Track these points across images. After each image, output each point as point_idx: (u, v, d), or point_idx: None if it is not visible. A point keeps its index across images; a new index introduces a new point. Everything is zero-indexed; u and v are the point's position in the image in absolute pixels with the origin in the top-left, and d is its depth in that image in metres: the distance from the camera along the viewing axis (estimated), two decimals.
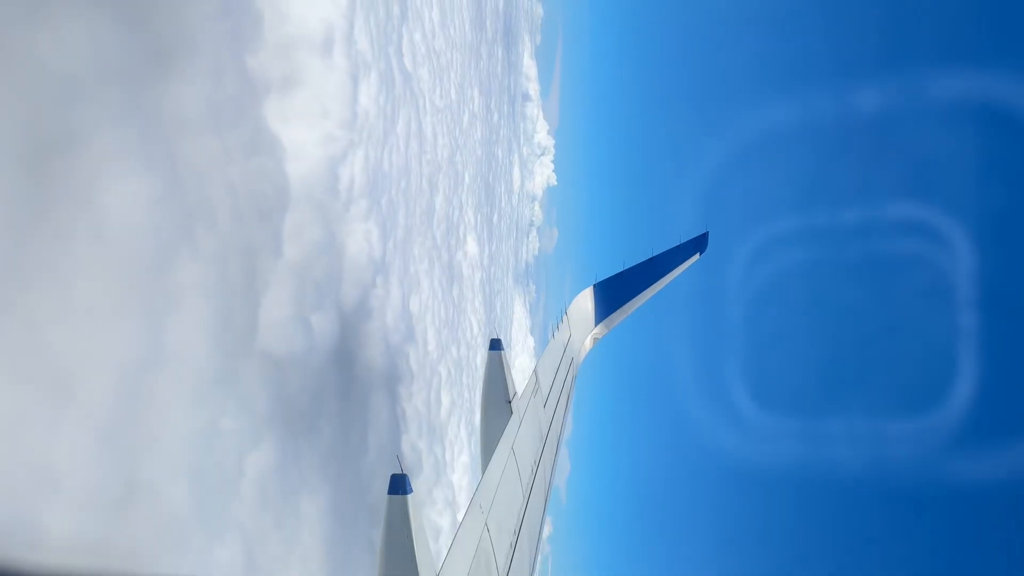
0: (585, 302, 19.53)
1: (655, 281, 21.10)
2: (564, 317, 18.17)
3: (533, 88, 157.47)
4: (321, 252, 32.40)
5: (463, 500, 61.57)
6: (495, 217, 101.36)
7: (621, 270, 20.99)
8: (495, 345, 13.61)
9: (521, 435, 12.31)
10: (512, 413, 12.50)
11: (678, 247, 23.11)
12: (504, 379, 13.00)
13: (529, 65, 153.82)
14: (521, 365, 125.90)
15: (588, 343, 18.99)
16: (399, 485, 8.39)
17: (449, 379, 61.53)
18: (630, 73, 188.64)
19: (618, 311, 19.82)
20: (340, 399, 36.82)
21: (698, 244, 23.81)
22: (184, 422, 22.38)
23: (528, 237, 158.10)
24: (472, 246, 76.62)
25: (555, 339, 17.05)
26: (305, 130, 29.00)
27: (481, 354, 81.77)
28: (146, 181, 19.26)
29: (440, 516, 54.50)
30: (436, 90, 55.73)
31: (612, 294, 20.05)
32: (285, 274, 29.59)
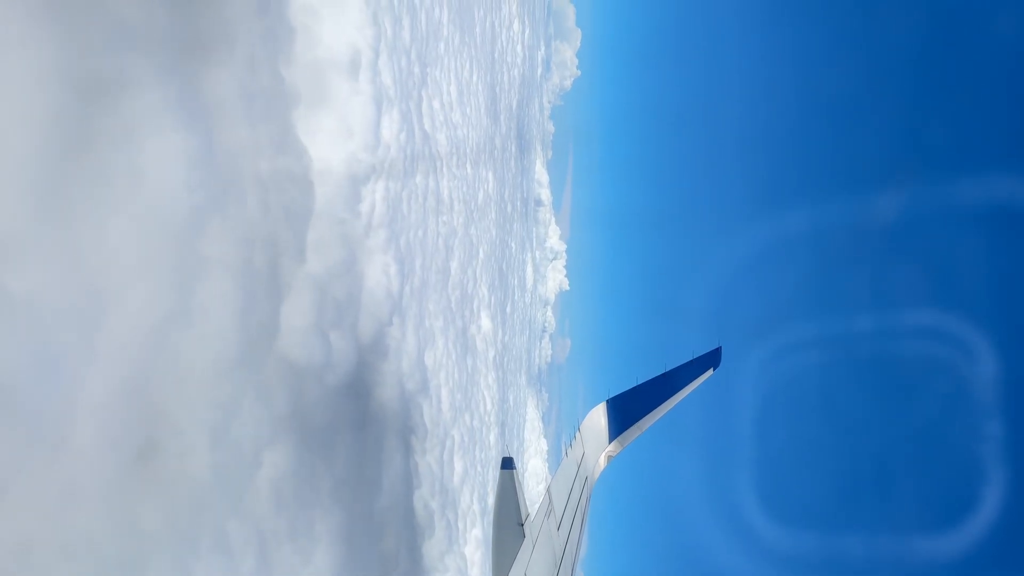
0: (598, 418, 19.50)
1: (668, 397, 20.96)
2: (577, 434, 18.24)
3: (545, 194, 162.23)
4: (341, 272, 33.33)
5: (475, 573, 59.69)
6: (508, 307, 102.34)
7: (634, 385, 20.99)
8: (507, 464, 13.27)
9: (534, 561, 12.02)
10: (525, 537, 12.23)
11: (691, 362, 23.12)
12: (516, 500, 12.70)
13: (541, 172, 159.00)
14: (534, 468, 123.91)
15: (602, 461, 18.77)
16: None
17: (462, 446, 60.96)
18: (642, 192, 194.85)
19: (632, 428, 19.64)
20: (355, 429, 36.79)
21: (711, 359, 23.79)
22: (205, 392, 22.70)
23: (541, 343, 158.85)
24: (486, 323, 77.41)
25: (568, 457, 17.04)
26: (330, 146, 30.57)
27: (495, 432, 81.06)
28: (182, 141, 20.49)
29: None
30: (453, 158, 58.03)
31: (625, 410, 19.97)
32: (306, 283, 30.42)
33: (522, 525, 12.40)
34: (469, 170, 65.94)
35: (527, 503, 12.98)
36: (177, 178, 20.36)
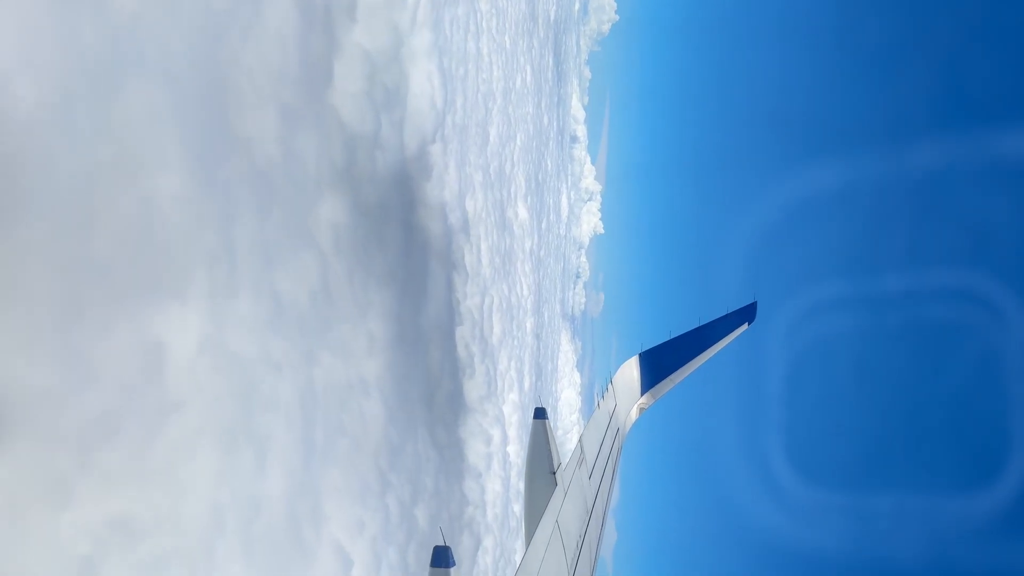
0: (631, 371, 19.93)
1: (702, 351, 21.43)
2: (609, 386, 18.68)
3: (581, 131, 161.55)
4: (389, 57, 34.48)
5: (513, 433, 61.57)
6: (544, 224, 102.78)
7: (667, 339, 21.38)
8: (540, 414, 13.64)
9: (566, 508, 12.55)
10: (556, 485, 12.74)
11: (725, 316, 23.48)
12: (548, 449, 13.09)
13: (577, 108, 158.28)
14: (568, 399, 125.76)
15: (634, 413, 19.23)
16: (442, 558, 8.53)
17: (500, 309, 62.30)
18: (679, 144, 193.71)
19: (664, 381, 20.17)
20: (402, 228, 38.10)
21: (746, 314, 24.13)
22: (269, 91, 24.10)
23: (575, 288, 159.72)
24: (523, 213, 78.24)
25: (600, 408, 17.50)
26: None
27: (531, 322, 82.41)
28: None
29: (492, 427, 54.68)
30: (493, 20, 58.66)
31: (658, 364, 20.43)
32: (356, 51, 31.63)
33: (554, 473, 12.84)
34: (508, 45, 66.49)
35: (559, 452, 13.47)
36: None
